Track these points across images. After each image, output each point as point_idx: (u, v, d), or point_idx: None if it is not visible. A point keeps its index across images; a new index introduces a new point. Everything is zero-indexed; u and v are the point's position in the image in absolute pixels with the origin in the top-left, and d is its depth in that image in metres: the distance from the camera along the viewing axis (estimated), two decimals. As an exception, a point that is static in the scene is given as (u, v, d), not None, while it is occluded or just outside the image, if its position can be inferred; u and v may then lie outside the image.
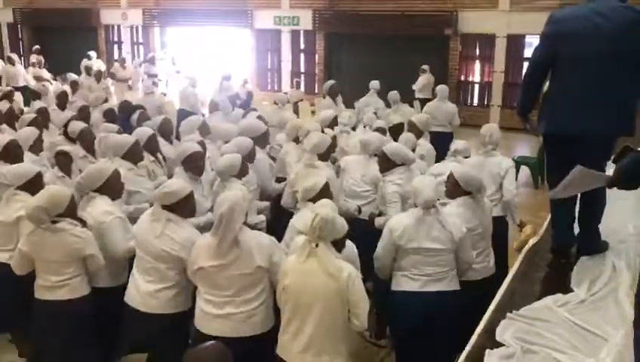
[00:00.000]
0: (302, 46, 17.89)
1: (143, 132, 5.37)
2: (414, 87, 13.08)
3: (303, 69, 17.97)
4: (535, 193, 9.01)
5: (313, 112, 12.17)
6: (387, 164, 4.62)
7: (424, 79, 13.10)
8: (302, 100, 13.46)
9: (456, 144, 5.22)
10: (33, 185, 3.97)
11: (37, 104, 8.39)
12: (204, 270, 3.21)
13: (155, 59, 16.05)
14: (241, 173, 4.56)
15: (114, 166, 4.13)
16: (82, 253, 3.54)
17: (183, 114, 9.42)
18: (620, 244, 3.81)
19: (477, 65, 15.74)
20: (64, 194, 3.55)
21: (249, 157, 4.86)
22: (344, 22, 16.32)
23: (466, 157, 5.08)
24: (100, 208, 3.77)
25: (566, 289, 3.32)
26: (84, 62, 14.89)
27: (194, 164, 4.55)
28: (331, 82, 10.17)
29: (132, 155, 4.78)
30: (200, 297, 3.30)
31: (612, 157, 2.03)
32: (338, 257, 2.98)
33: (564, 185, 2.73)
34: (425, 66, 13.26)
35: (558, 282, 3.42)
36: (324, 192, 3.74)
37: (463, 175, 3.90)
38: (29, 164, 4.47)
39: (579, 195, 3.64)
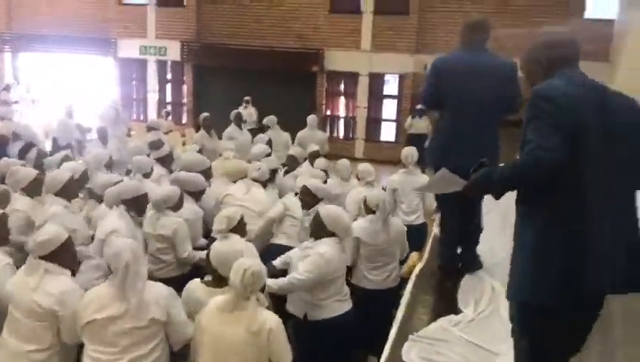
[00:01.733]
0: (169, 76, 17.65)
1: (76, 167, 5.09)
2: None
3: (170, 99, 17.69)
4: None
5: (184, 143, 12.04)
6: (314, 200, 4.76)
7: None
8: (172, 131, 13.31)
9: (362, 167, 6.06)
10: None
11: None
12: (95, 323, 2.95)
13: (10, 87, 14.96)
14: (177, 206, 4.56)
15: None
16: None
17: (58, 145, 8.93)
18: (494, 266, 4.26)
19: (342, 100, 16.52)
20: None
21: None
22: (213, 54, 16.39)
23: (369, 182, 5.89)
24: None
25: (455, 309, 3.67)
26: None
27: (141, 203, 4.43)
28: (205, 114, 10.16)
29: (67, 192, 4.52)
30: (86, 356, 3.00)
31: (471, 170, 2.43)
32: (264, 303, 2.98)
33: (429, 184, 3.17)
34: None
35: (448, 303, 3.77)
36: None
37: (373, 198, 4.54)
38: None
39: (458, 223, 4.11)
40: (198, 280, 3.47)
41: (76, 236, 4.23)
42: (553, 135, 2.10)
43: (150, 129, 9.29)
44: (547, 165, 2.10)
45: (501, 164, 2.39)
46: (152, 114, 17.22)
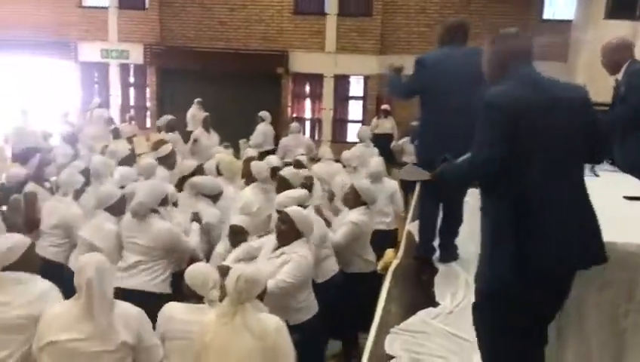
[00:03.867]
0: (132, 80, 17.41)
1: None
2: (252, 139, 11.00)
3: (132, 103, 17.45)
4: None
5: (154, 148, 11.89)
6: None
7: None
8: (135, 135, 13.13)
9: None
10: None
11: None
12: (56, 345, 2.74)
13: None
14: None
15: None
16: None
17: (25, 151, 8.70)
18: (467, 263, 4.37)
19: (307, 102, 16.58)
20: None
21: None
22: (176, 57, 16.22)
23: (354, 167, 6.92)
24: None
25: (433, 302, 3.76)
26: None
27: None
28: (168, 117, 10.11)
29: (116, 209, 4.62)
30: None
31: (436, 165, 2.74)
32: (263, 310, 2.91)
33: (401, 173, 3.37)
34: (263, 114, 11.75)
35: (425, 297, 3.86)
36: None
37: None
38: None
39: (441, 214, 4.37)
40: (173, 302, 3.31)
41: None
42: (494, 136, 2.34)
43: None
44: (487, 163, 2.35)
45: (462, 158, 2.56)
46: (115, 118, 16.92)
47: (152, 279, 4.20)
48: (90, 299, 2.72)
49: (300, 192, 4.69)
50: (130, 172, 6.01)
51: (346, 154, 7.58)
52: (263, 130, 11.06)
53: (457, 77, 3.91)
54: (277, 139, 10.99)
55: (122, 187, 5.11)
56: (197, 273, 3.20)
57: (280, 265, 3.76)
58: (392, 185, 6.35)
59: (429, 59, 4.13)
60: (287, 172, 5.38)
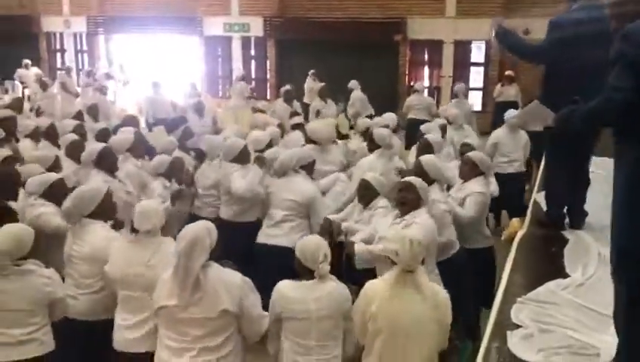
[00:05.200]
0: (252, 52, 17.92)
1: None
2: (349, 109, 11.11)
3: (254, 75, 17.99)
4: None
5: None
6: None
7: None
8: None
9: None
10: None
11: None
12: (167, 309, 2.87)
13: (110, 73, 15.56)
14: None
15: (105, 185, 3.93)
16: (53, 296, 3.17)
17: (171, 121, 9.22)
18: (599, 232, 4.10)
19: (426, 70, 16.21)
20: (28, 233, 3.16)
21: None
22: (294, 28, 16.46)
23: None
24: (99, 234, 3.55)
25: (562, 274, 3.58)
26: (21, 71, 14.48)
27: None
28: (287, 87, 10.35)
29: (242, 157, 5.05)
30: (160, 343, 2.95)
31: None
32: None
33: (521, 115, 3.16)
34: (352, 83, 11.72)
35: (553, 269, 3.68)
36: None
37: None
38: None
39: (565, 178, 4.13)
40: (287, 280, 3.16)
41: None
42: (626, 75, 2.17)
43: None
44: (617, 105, 2.20)
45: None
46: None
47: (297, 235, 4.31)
48: (178, 271, 2.84)
49: None
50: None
51: (451, 110, 7.94)
52: (358, 96, 11.06)
53: (590, 37, 3.69)
54: (393, 107, 10.94)
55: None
56: (307, 246, 3.08)
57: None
58: (524, 135, 7.05)
59: (562, 20, 3.94)
60: (432, 137, 5.71)
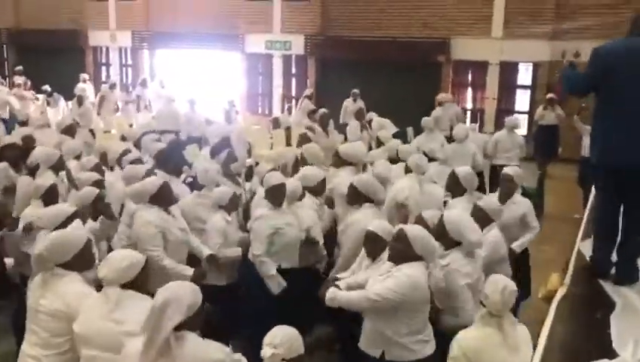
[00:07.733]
0: (293, 70, 17.79)
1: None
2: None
3: (294, 93, 17.84)
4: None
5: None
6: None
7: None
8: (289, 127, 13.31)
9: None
10: None
11: (22, 130, 8.02)
12: None
13: (147, 82, 15.75)
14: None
15: (86, 234, 3.48)
16: None
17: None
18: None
19: (469, 91, 15.73)
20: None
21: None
22: (336, 47, 16.27)
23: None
24: (73, 289, 3.10)
25: (608, 351, 3.14)
26: (81, 85, 14.76)
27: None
28: (322, 111, 9.95)
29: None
30: None
31: None
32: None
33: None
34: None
35: (598, 342, 3.24)
36: None
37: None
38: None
39: (620, 224, 3.74)
40: None
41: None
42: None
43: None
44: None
45: None
46: (276, 108, 17.50)
47: None
48: (146, 329, 2.52)
49: None
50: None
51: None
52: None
53: (636, 69, 3.43)
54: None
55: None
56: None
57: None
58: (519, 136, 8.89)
59: (604, 49, 3.59)
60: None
